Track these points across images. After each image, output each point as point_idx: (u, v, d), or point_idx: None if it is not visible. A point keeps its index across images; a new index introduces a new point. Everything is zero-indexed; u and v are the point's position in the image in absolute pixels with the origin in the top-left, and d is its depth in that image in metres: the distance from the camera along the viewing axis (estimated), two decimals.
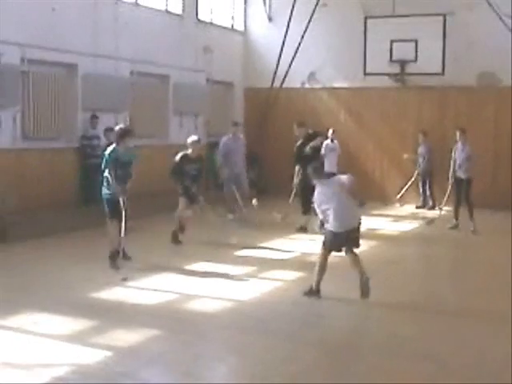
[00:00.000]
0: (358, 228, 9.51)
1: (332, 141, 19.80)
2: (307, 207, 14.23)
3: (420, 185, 20.34)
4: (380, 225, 16.99)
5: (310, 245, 13.16)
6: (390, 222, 17.91)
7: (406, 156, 20.42)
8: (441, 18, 20.03)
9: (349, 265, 9.56)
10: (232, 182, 16.33)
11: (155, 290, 9.94)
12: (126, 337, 7.73)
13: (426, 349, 7.54)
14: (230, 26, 22.80)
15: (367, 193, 18.39)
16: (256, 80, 22.72)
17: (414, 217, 18.79)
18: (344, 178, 9.57)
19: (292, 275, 11.22)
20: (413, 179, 20.20)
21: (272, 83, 22.09)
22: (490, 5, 18.71)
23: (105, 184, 11.17)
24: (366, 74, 20.99)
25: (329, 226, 9.35)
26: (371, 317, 9.07)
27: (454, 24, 20.00)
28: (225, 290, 10.04)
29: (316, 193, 9.49)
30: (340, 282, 10.18)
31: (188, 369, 6.85)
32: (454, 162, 16.22)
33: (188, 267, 11.52)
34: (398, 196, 20.49)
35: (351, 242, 9.47)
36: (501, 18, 18.80)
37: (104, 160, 11.11)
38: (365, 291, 9.34)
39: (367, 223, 16.03)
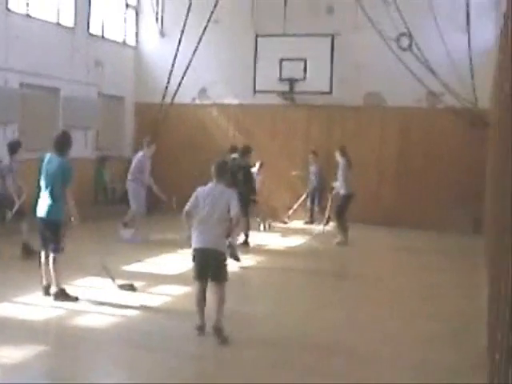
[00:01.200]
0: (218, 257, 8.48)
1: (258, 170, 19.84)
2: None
3: (309, 201, 20.86)
4: (268, 240, 17.32)
5: None
6: (279, 238, 18.23)
7: (294, 173, 20.86)
8: (329, 38, 20.60)
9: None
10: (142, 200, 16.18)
11: (43, 306, 9.80)
12: (13, 353, 7.64)
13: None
14: (121, 41, 22.79)
15: (256, 207, 18.79)
16: (147, 95, 22.78)
17: (302, 232, 19.21)
18: (234, 206, 8.45)
19: (180, 290, 11.30)
20: (304, 196, 20.72)
21: (163, 98, 22.19)
22: (374, 28, 19.34)
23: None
24: (255, 91, 21.35)
25: None
26: (252, 327, 9.28)
27: (341, 45, 20.60)
28: (113, 305, 9.98)
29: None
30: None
31: None
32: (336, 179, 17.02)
33: (76, 282, 11.40)
34: (290, 212, 20.90)
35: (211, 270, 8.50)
36: (385, 41, 19.49)
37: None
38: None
39: (256, 239, 16.54)
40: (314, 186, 20.69)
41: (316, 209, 20.72)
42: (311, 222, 20.72)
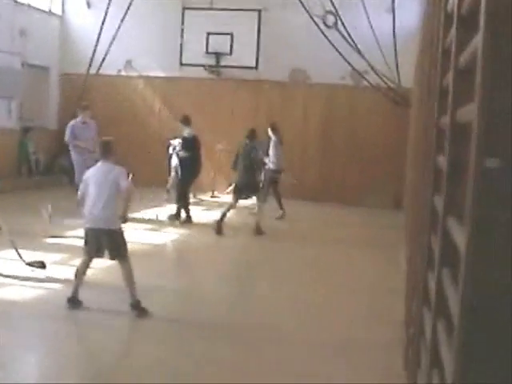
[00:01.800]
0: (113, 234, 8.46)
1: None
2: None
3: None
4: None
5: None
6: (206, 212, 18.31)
7: (219, 146, 20.93)
8: (256, 13, 20.71)
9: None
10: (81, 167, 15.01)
11: None
12: None
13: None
14: (47, 10, 22.43)
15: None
16: (73, 66, 22.48)
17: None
18: (123, 181, 8.46)
19: (102, 263, 11.30)
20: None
21: (88, 70, 21.99)
22: (302, 4, 19.50)
23: None
24: (181, 64, 21.35)
25: None
26: None
27: (268, 20, 20.74)
28: (36, 278, 9.89)
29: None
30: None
31: None
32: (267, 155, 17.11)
33: None
34: (228, 190, 20.84)
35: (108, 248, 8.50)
36: (312, 18, 19.68)
37: None
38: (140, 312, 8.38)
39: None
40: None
41: None
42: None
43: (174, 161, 18.55)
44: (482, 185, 2.11)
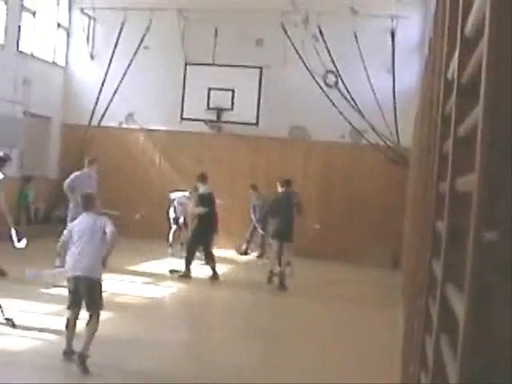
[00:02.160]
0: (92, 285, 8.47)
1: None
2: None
3: (250, 232, 20.84)
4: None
5: (121, 285, 13.45)
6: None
7: (218, 201, 20.88)
8: (257, 70, 20.95)
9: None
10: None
11: None
12: None
13: None
14: (51, 60, 22.66)
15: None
16: (75, 116, 22.65)
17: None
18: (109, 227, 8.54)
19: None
20: (251, 228, 20.74)
21: (90, 121, 22.15)
22: (303, 63, 19.74)
23: None
24: (182, 118, 21.52)
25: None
26: None
27: (270, 77, 20.97)
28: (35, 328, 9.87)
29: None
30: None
31: None
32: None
33: None
34: (244, 246, 20.92)
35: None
36: (313, 77, 19.90)
37: None
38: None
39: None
40: (256, 218, 20.31)
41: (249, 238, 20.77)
42: (246, 252, 20.86)
43: (172, 213, 18.67)
44: (481, 256, 2.13)
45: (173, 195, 19.10)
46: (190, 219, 18.52)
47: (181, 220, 19.06)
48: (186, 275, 15.69)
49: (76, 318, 8.55)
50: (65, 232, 8.75)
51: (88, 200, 8.89)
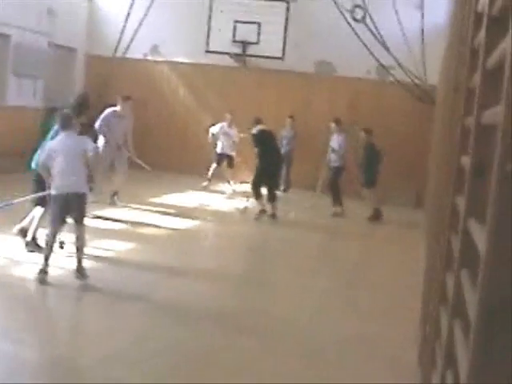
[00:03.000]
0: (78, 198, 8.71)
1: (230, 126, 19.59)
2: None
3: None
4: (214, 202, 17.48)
5: (143, 215, 13.58)
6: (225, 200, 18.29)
7: (242, 135, 20.85)
8: (284, 4, 20.69)
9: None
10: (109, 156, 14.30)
11: None
12: None
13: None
14: None
15: (202, 168, 19.12)
16: (100, 48, 22.52)
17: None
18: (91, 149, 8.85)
19: (124, 246, 11.38)
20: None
21: (115, 52, 22.05)
22: None
23: None
24: (207, 51, 21.37)
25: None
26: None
27: (296, 11, 20.71)
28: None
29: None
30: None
31: None
32: (331, 150, 17.16)
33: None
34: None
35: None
36: (340, 11, 19.62)
37: None
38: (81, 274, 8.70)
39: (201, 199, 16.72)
40: (285, 150, 19.45)
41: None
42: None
43: (220, 149, 18.74)
44: (504, 188, 2.10)
45: (213, 129, 19.13)
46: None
47: (231, 153, 19.30)
48: (262, 211, 15.20)
49: (57, 233, 8.86)
50: (40, 153, 8.95)
51: (66, 120, 8.92)
